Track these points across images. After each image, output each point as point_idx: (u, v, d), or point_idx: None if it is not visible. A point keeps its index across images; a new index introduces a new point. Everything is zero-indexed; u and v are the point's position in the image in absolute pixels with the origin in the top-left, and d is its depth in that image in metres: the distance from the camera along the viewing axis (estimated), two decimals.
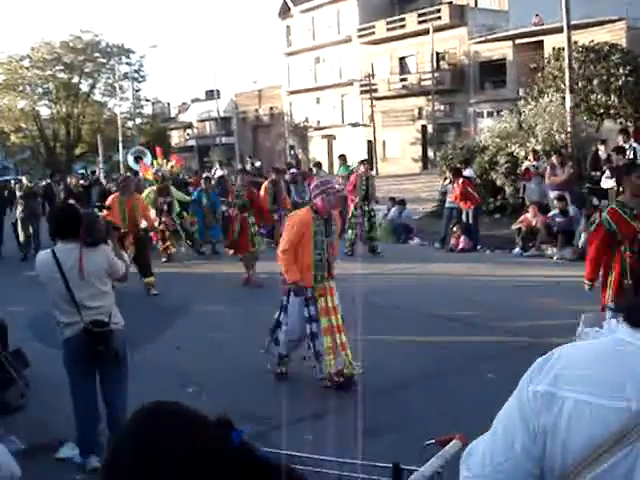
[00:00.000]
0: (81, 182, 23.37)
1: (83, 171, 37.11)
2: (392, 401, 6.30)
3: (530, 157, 16.62)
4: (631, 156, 13.51)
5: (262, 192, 16.34)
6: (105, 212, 10.24)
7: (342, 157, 21.44)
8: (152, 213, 14.67)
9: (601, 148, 15.01)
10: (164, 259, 15.24)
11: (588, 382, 1.43)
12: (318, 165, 22.32)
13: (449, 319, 9.31)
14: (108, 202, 11.53)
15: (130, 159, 20.04)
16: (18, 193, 17.61)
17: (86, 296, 5.03)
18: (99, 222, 5.17)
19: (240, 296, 11.61)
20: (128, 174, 16.54)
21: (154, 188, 15.59)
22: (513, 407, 1.57)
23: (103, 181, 24.57)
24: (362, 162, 16.30)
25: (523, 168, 16.58)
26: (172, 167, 17.90)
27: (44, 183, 26.49)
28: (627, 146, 13.79)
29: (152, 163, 17.76)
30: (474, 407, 5.99)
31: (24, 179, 18.68)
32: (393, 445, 4.80)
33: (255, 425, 5.54)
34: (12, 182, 18.75)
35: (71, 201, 17.58)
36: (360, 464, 2.69)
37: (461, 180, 15.62)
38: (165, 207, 15.51)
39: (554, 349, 1.54)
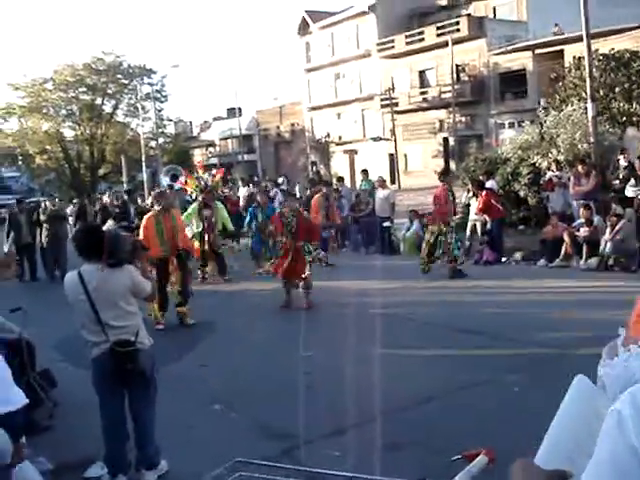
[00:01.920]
0: (114, 202, 22.45)
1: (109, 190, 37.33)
2: (417, 415, 6.26)
3: (553, 167, 16.54)
4: None
5: (313, 206, 16.29)
6: (141, 236, 10.02)
7: (364, 172, 21.49)
8: (193, 227, 14.38)
9: (621, 157, 14.90)
10: (199, 279, 14.58)
11: None
12: (340, 179, 22.40)
13: (474, 332, 9.25)
14: (143, 223, 10.62)
15: (165, 179, 19.59)
16: (42, 217, 17.36)
17: (111, 316, 5.07)
18: (123, 242, 5.19)
19: (265, 313, 11.63)
20: (162, 189, 15.89)
21: (199, 200, 14.94)
22: (620, 473, 1.35)
23: (139, 199, 23.65)
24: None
25: (546, 179, 16.50)
26: (214, 176, 17.07)
27: (74, 204, 26.59)
28: None
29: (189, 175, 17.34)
30: (500, 421, 5.96)
31: (48, 202, 18.43)
32: (418, 460, 4.77)
33: (282, 442, 5.55)
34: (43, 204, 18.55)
35: (110, 222, 17.56)
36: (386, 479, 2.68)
37: (484, 192, 15.57)
38: (207, 222, 14.68)
39: (624, 396, 1.42)
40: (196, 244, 14.31)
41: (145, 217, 10.93)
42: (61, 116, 55.59)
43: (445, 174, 14.56)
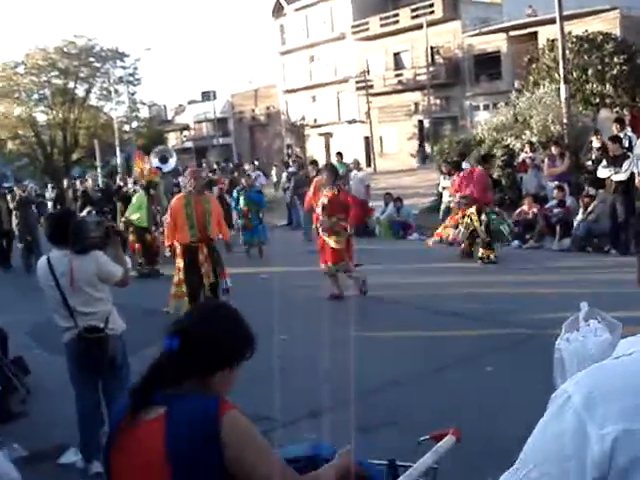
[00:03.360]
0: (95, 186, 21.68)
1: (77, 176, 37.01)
2: (390, 397, 6.31)
3: (526, 149, 16.63)
4: (626, 145, 13.51)
5: (312, 190, 15.74)
6: (168, 219, 9.40)
7: (339, 154, 21.49)
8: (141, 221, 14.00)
9: (593, 138, 15.00)
10: (146, 270, 14.06)
11: None
12: (314, 162, 22.30)
13: (447, 313, 9.32)
14: (171, 205, 9.47)
15: (154, 161, 18.08)
16: (11, 204, 17.00)
17: (79, 302, 5.06)
18: (89, 228, 5.13)
19: (245, 296, 11.58)
20: (193, 168, 14.69)
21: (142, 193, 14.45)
22: (563, 462, 1.33)
23: (121, 182, 21.72)
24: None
25: (519, 160, 16.59)
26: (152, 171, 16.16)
27: (52, 189, 26.05)
28: (622, 135, 13.79)
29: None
30: (473, 401, 6.03)
31: (16, 189, 18.04)
32: (390, 442, 4.81)
33: (258, 425, 5.56)
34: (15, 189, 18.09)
35: (89, 207, 17.05)
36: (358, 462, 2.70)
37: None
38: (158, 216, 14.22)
39: (578, 379, 1.40)
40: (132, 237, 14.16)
41: (175, 197, 9.86)
42: (33, 100, 55.00)
43: (485, 160, 14.22)
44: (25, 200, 17.42)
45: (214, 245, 9.36)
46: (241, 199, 15.98)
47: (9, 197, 17.46)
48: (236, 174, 21.51)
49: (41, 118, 56.19)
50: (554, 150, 15.55)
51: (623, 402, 1.31)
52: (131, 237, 14.20)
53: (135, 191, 16.11)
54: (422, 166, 38.93)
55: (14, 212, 16.91)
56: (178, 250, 9.20)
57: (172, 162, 18.41)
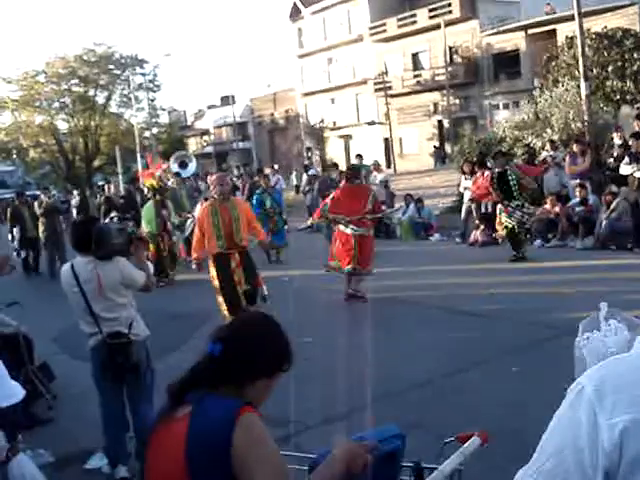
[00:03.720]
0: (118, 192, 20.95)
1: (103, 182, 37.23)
2: (414, 398, 6.29)
3: (547, 147, 16.52)
4: None
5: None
6: (196, 234, 9.00)
7: (359, 156, 21.48)
8: (151, 228, 13.62)
9: (615, 135, 14.87)
10: (162, 284, 13.24)
11: None
12: (335, 165, 22.26)
13: (472, 314, 9.28)
14: (198, 214, 9.25)
15: (174, 166, 18.09)
16: (38, 210, 17.06)
17: (102, 308, 5.09)
18: (112, 234, 5.16)
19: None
20: (218, 173, 14.61)
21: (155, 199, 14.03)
22: (576, 452, 1.35)
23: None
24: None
25: (541, 159, 16.48)
26: (164, 172, 16.27)
27: (76, 195, 26.03)
28: None
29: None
30: (498, 402, 5.99)
31: (42, 195, 18.06)
32: (415, 444, 4.79)
33: (281, 428, 5.57)
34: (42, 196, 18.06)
35: (113, 213, 16.63)
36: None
37: (487, 172, 15.27)
38: (168, 222, 13.99)
39: (591, 372, 1.42)
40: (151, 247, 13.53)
41: (201, 207, 9.63)
42: (54, 109, 55.43)
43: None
44: (52, 207, 17.44)
45: (247, 252, 8.97)
46: (267, 200, 15.66)
47: (35, 204, 17.48)
48: (257, 178, 21.43)
49: (62, 126, 56.68)
50: (575, 148, 15.42)
51: (633, 393, 1.33)
52: (151, 246, 13.73)
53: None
54: (440, 167, 38.79)
55: (40, 219, 16.92)
56: (210, 259, 8.90)
57: (192, 167, 18.23)
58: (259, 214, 14.44)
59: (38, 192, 21.58)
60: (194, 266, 9.33)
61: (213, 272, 8.86)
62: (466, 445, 2.42)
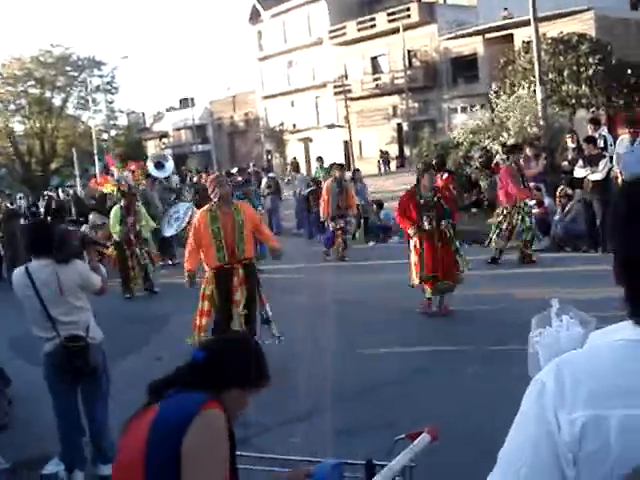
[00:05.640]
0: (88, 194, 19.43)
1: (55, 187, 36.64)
2: (373, 400, 6.33)
3: (499, 150, 16.72)
4: (601, 145, 13.63)
5: (324, 193, 14.87)
6: (190, 244, 7.81)
7: (319, 159, 21.49)
8: (115, 236, 12.74)
9: (568, 139, 15.09)
10: (127, 295, 12.86)
11: (627, 394, 1.32)
12: (340, 167, 22.02)
13: (430, 316, 9.36)
14: (194, 221, 8.00)
15: (150, 166, 17.06)
16: None
17: (61, 312, 5.04)
18: (71, 237, 5.15)
19: None
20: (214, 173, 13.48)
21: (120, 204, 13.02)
22: (536, 445, 1.36)
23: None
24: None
25: (494, 163, 16.68)
26: (133, 172, 15.24)
27: (44, 198, 24.78)
28: (597, 135, 13.90)
29: (108, 172, 15.54)
30: (457, 400, 6.06)
31: (0, 200, 17.28)
32: (371, 442, 4.84)
33: (240, 430, 5.57)
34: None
35: (92, 216, 15.22)
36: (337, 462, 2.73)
37: (445, 175, 15.44)
38: (133, 229, 12.87)
39: (549, 368, 1.42)
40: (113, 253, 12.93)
41: (198, 212, 8.34)
42: (10, 110, 54.69)
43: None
44: (11, 212, 16.76)
45: (252, 265, 7.85)
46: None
47: None
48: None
49: (18, 128, 55.97)
50: (529, 152, 15.63)
51: (590, 388, 1.34)
52: (113, 253, 13.05)
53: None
54: (402, 169, 38.98)
55: None
56: (207, 275, 7.68)
57: (169, 167, 17.62)
58: None
59: None
60: (185, 280, 7.88)
61: (208, 290, 7.64)
62: (416, 442, 2.46)
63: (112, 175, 14.99)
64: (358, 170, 19.13)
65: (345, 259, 14.81)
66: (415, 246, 9.33)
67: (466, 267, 9.55)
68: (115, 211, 12.91)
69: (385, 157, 44.82)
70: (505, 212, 12.51)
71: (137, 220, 12.94)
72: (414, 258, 9.37)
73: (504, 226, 12.47)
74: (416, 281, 9.40)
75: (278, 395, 6.33)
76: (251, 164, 28.55)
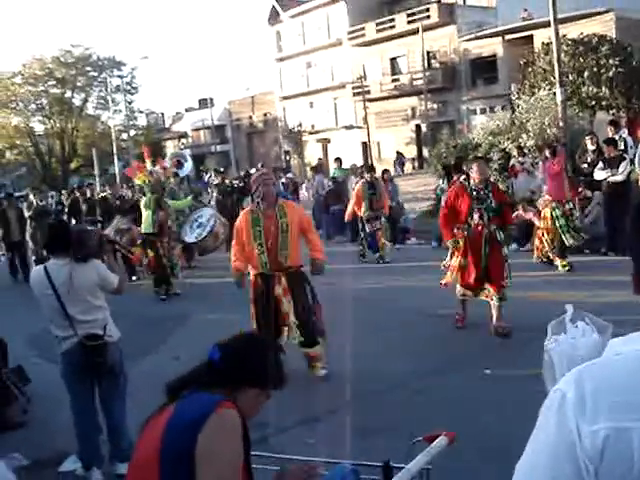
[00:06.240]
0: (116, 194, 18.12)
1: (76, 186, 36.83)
2: (389, 401, 6.32)
3: (515, 153, 16.63)
4: (622, 147, 13.54)
5: (355, 195, 14.71)
6: (234, 245, 7.18)
7: (338, 160, 21.51)
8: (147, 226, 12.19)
9: (588, 141, 14.99)
10: (163, 296, 12.42)
11: None
12: (314, 169, 22.07)
13: (447, 317, 9.33)
14: (237, 224, 7.20)
15: (168, 164, 16.43)
16: (26, 213, 16.15)
17: (78, 310, 5.08)
18: (89, 236, 5.19)
19: (240, 304, 11.51)
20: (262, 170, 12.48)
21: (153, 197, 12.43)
22: (557, 457, 1.32)
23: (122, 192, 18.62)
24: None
25: (510, 165, 16.59)
26: (165, 169, 14.67)
27: (68, 195, 24.45)
28: (617, 137, 13.81)
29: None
30: (470, 404, 6.04)
31: (31, 196, 17.20)
32: (388, 445, 4.83)
33: (258, 430, 5.59)
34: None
35: (118, 217, 15.08)
36: (353, 464, 2.73)
37: (463, 176, 15.46)
38: (164, 223, 12.36)
39: (569, 377, 1.38)
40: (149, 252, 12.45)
41: (242, 212, 7.46)
42: (30, 110, 55.15)
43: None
44: (41, 210, 16.69)
45: (300, 274, 7.08)
46: None
47: (25, 205, 16.58)
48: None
49: (39, 128, 56.45)
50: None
51: (612, 399, 1.30)
52: (149, 252, 12.50)
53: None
54: (420, 170, 38.89)
55: (29, 222, 16.10)
56: (251, 277, 7.16)
57: (187, 167, 17.46)
58: None
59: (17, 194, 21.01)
60: (234, 281, 7.22)
61: (252, 294, 7.15)
62: (433, 445, 2.46)
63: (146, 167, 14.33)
64: (387, 171, 18.79)
65: (385, 260, 14.54)
66: (459, 250, 8.43)
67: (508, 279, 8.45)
68: (148, 198, 12.36)
69: (400, 158, 44.66)
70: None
71: (167, 214, 12.56)
72: (456, 260, 8.49)
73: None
74: (449, 279, 8.69)
75: (295, 396, 6.35)
76: (259, 164, 28.49)
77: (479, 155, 10.39)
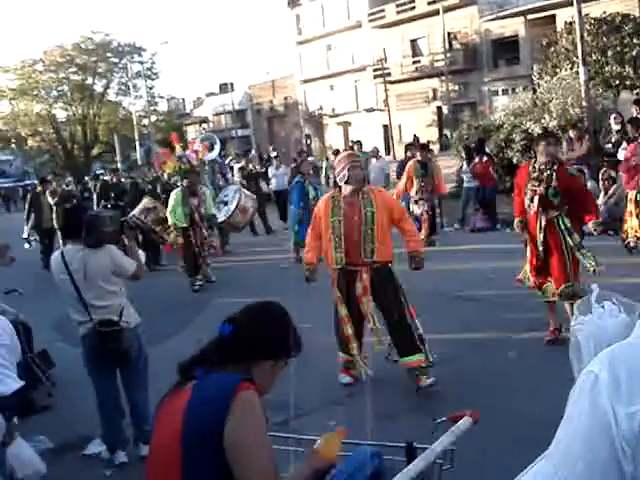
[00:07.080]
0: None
1: (102, 171, 37.07)
2: (412, 385, 6.29)
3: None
4: None
5: (406, 174, 13.85)
6: (309, 233, 6.61)
7: (358, 143, 21.41)
8: (177, 221, 11.58)
9: (612, 120, 14.81)
10: (196, 286, 11.78)
11: None
12: (336, 152, 21.70)
13: (470, 299, 9.30)
14: (315, 210, 6.56)
15: (200, 148, 15.73)
16: (51, 199, 15.78)
17: (93, 296, 5.12)
18: (103, 222, 5.17)
19: (264, 287, 11.46)
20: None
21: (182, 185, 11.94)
22: (593, 439, 1.30)
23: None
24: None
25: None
26: (196, 153, 14.18)
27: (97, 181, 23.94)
28: None
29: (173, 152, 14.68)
30: (494, 386, 6.02)
31: (55, 183, 16.87)
32: (411, 426, 4.82)
33: (280, 413, 5.60)
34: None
35: (145, 199, 13.24)
36: (376, 444, 2.72)
37: (485, 159, 15.56)
38: (197, 213, 11.70)
39: (601, 359, 1.35)
40: (179, 240, 11.82)
41: (322, 198, 6.77)
42: (52, 97, 55.37)
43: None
44: (67, 195, 16.52)
45: (387, 270, 6.24)
46: (311, 190, 12.64)
47: (48, 192, 16.18)
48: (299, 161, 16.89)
49: (60, 114, 56.70)
50: (572, 134, 15.39)
51: None
52: (179, 240, 11.88)
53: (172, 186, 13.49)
54: (442, 152, 38.65)
55: (55, 208, 15.63)
56: (331, 272, 6.40)
57: (216, 150, 17.02)
58: (301, 207, 12.30)
59: (37, 182, 20.83)
60: (306, 274, 6.61)
61: (337, 292, 6.31)
62: (457, 425, 2.44)
63: (174, 153, 14.13)
64: (431, 150, 18.00)
65: (435, 244, 13.73)
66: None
67: (593, 268, 6.99)
68: (176, 194, 11.67)
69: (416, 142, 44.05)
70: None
71: (201, 202, 11.84)
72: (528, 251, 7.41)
73: None
74: (520, 275, 7.62)
75: (317, 379, 6.37)
76: (270, 148, 28.32)
77: (547, 133, 9.27)
